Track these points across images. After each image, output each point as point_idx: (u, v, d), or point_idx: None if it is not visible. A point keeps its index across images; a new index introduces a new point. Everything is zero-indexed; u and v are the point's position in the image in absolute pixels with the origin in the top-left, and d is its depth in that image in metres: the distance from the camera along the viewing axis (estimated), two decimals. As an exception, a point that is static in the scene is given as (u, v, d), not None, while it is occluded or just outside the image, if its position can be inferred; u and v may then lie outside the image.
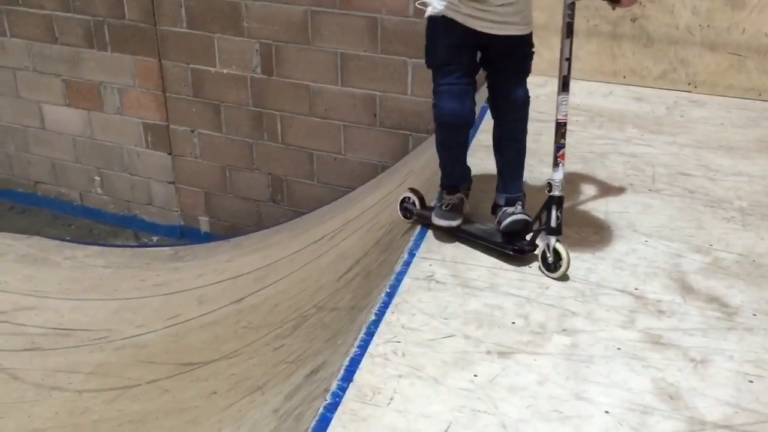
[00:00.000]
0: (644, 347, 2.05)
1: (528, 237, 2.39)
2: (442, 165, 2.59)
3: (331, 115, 4.77)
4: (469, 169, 2.66)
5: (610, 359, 2.00)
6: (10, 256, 4.70)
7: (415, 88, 4.46)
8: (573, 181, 2.99)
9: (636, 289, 2.31)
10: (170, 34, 4.96)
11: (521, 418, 1.79)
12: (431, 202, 2.68)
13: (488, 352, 2.02)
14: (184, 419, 2.76)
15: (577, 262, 2.43)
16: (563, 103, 2.32)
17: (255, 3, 4.65)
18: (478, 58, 2.39)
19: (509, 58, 2.39)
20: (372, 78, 4.55)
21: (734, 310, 2.21)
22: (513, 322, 2.13)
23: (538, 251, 2.36)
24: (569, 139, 3.34)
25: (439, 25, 2.33)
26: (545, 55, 3.95)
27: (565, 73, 2.31)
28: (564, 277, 2.30)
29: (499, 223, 2.43)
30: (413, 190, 2.70)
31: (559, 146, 2.32)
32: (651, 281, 2.35)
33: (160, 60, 5.07)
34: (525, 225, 2.39)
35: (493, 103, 2.48)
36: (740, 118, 3.66)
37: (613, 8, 2.38)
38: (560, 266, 2.28)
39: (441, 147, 2.54)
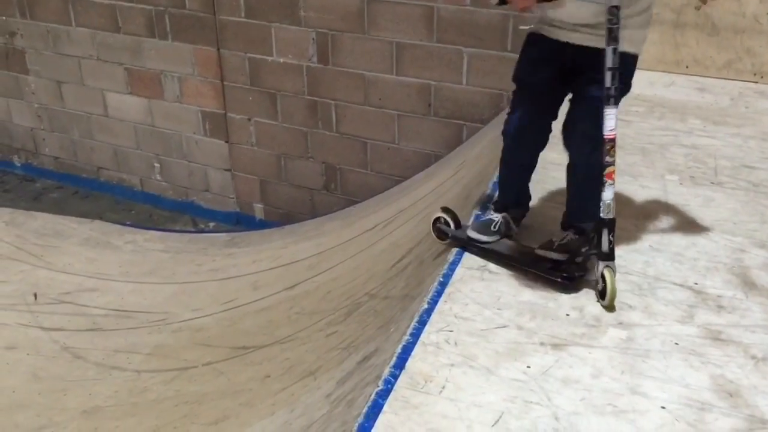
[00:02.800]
0: (703, 343, 2.00)
1: (578, 260, 2.22)
2: (500, 177, 2.51)
3: (386, 104, 4.78)
4: (526, 196, 2.52)
5: (667, 354, 1.96)
6: (73, 239, 4.86)
7: (470, 77, 4.43)
8: (631, 172, 2.94)
9: (696, 283, 2.26)
10: (229, 24, 5.03)
11: (574, 411, 1.78)
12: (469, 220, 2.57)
13: (542, 344, 2.01)
14: (238, 401, 2.82)
15: (635, 255, 2.39)
16: (609, 117, 2.08)
17: (312, -8, 4.68)
18: (565, 86, 2.22)
19: (580, 78, 2.14)
20: (427, 67, 4.54)
21: (799, 308, 2.15)
22: (567, 314, 2.11)
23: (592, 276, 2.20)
24: (628, 130, 3.30)
25: (528, 38, 2.25)
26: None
27: (608, 84, 2.06)
28: (611, 308, 2.13)
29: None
30: (446, 210, 2.55)
31: (606, 164, 2.11)
32: (711, 276, 2.29)
33: (218, 49, 5.16)
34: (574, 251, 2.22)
35: (566, 129, 2.26)
36: (809, 109, 3.53)
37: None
38: (606, 296, 2.12)
39: (502, 159, 2.45)
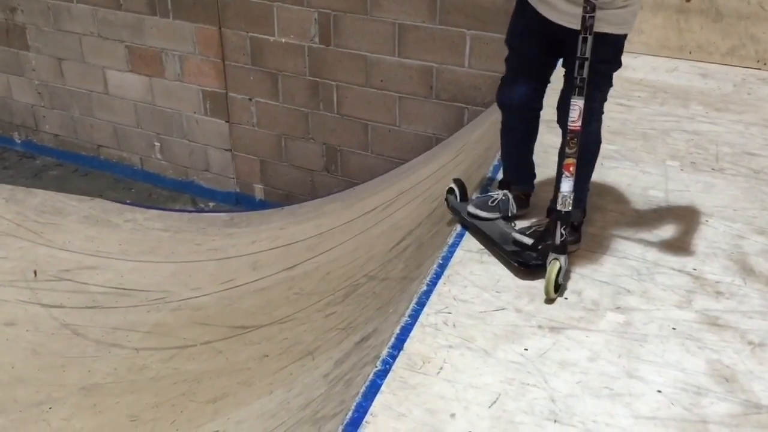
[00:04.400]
0: (700, 328, 2.01)
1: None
2: (501, 152, 2.51)
3: (387, 86, 4.76)
4: (529, 172, 2.49)
5: (664, 339, 1.97)
6: (73, 216, 4.86)
7: (472, 60, 4.41)
8: (632, 157, 2.94)
9: (694, 269, 2.26)
10: (231, 3, 5.00)
11: (571, 393, 1.79)
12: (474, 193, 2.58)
13: (539, 327, 2.02)
14: (236, 380, 2.83)
15: (634, 239, 2.40)
16: (574, 108, 2.05)
17: (314, -28, 4.65)
18: (555, 52, 2.21)
19: (571, 59, 2.06)
20: (429, 49, 4.51)
21: (797, 295, 2.15)
22: (566, 298, 2.12)
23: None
24: (630, 115, 3.30)
25: (518, 3, 2.23)
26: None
27: (575, 74, 2.02)
28: (549, 301, 2.09)
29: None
30: (456, 180, 2.55)
31: (566, 155, 2.07)
32: (710, 262, 2.30)
33: (220, 28, 5.13)
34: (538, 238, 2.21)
35: (560, 106, 2.20)
36: (812, 97, 3.52)
37: None
38: (558, 289, 2.10)
39: (501, 130, 2.44)
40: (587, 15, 1.98)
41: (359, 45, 4.72)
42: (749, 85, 3.66)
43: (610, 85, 2.21)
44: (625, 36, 2.15)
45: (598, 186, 2.72)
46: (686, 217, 2.53)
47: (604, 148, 2.75)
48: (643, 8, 3.81)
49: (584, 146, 2.12)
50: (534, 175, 2.52)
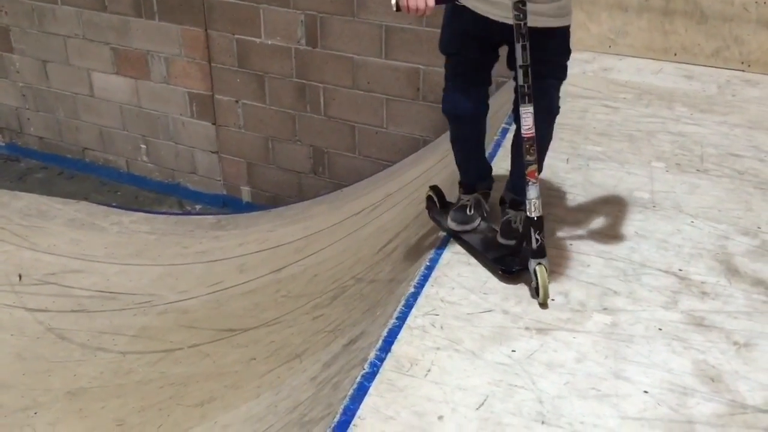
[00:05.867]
0: (686, 329, 2.02)
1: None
2: (456, 160, 2.46)
3: (374, 88, 4.76)
4: (487, 169, 2.51)
5: (650, 339, 1.98)
6: (58, 220, 4.83)
7: (459, 62, 4.42)
8: (618, 158, 2.95)
9: (680, 270, 2.27)
10: (217, 4, 4.98)
11: (558, 395, 1.79)
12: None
13: (527, 328, 2.02)
14: (224, 383, 2.82)
15: (620, 240, 2.41)
16: (526, 115, 2.06)
17: (301, -26, 4.65)
18: (496, 50, 2.20)
19: (535, 56, 2.05)
20: (416, 51, 4.52)
21: (781, 295, 2.17)
22: (553, 299, 2.12)
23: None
24: (615, 117, 3.31)
25: (452, 8, 2.14)
26: (593, 30, 3.88)
27: (521, 82, 2.04)
28: (544, 305, 2.09)
29: (501, 234, 2.32)
30: (432, 188, 2.55)
31: (527, 163, 2.08)
32: (696, 262, 2.31)
33: (206, 30, 5.11)
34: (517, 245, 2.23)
35: (515, 117, 2.18)
36: (795, 98, 3.55)
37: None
38: (539, 293, 2.09)
39: (451, 141, 2.41)
40: (522, 23, 1.99)
41: (346, 47, 4.72)
42: (733, 86, 3.69)
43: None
44: (568, 27, 2.16)
45: (584, 187, 2.74)
46: (672, 218, 2.55)
47: (591, 149, 2.77)
48: (628, 11, 3.85)
49: (545, 138, 2.20)
50: (491, 168, 2.53)
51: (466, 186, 2.45)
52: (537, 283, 2.10)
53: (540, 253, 2.11)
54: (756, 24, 3.73)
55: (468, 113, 2.27)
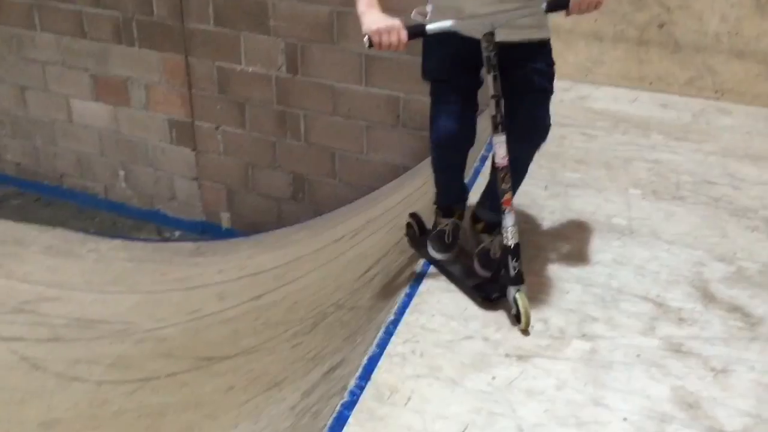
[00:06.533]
0: (664, 355, 2.04)
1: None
2: (437, 184, 2.43)
3: (355, 115, 4.78)
4: (465, 190, 2.51)
5: (629, 366, 1.99)
6: (34, 247, 4.77)
7: (439, 89, 4.46)
8: (596, 186, 2.98)
9: (657, 296, 2.29)
10: (197, 32, 5.00)
11: (538, 422, 1.79)
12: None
13: (507, 355, 2.02)
14: (202, 413, 2.78)
15: (598, 267, 2.43)
16: (498, 144, 2.08)
17: (282, 2, 4.67)
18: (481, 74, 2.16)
19: (519, 72, 2.09)
20: (396, 79, 4.56)
21: (757, 320, 2.19)
22: (532, 326, 2.13)
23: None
24: (593, 144, 3.35)
25: (436, 34, 2.06)
26: (570, 59, 3.94)
27: (493, 112, 2.06)
28: (526, 332, 2.11)
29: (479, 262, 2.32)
30: (412, 215, 2.57)
31: (502, 191, 2.10)
32: (673, 289, 2.33)
33: (186, 57, 5.11)
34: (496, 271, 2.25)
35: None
36: (767, 127, 3.62)
37: (567, 14, 2.07)
38: (521, 319, 2.10)
39: (436, 167, 2.39)
40: (491, 54, 2.02)
41: (327, 74, 4.74)
42: (708, 115, 3.76)
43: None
44: (548, 39, 2.19)
45: (563, 214, 2.76)
46: (649, 245, 2.58)
47: (569, 176, 2.81)
48: (603, 40, 3.92)
49: (528, 160, 2.24)
50: (467, 188, 2.54)
51: (444, 208, 2.44)
52: (517, 310, 2.10)
53: (518, 280, 2.11)
54: (728, 54, 3.81)
55: (458, 141, 2.24)
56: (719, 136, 3.51)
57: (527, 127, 2.17)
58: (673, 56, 3.91)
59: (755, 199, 2.92)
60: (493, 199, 2.23)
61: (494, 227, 2.31)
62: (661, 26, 3.85)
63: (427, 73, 2.26)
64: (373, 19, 1.98)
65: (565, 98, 3.72)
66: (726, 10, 3.73)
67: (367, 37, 1.98)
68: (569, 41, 3.91)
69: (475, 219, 2.46)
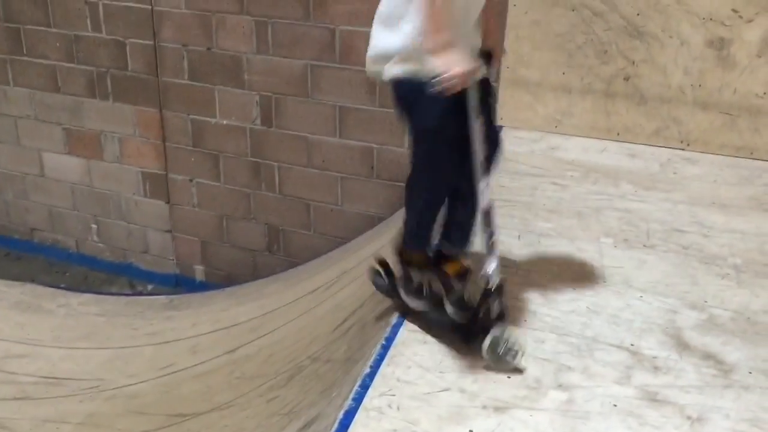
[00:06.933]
0: (640, 404, 2.04)
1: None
2: (417, 230, 2.35)
3: (329, 166, 4.82)
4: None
5: (606, 416, 1.99)
6: (2, 303, 4.67)
7: (412, 141, 4.51)
8: (568, 235, 3.02)
9: (632, 344, 2.31)
10: (172, 86, 5.03)
11: (517, 475, 1.77)
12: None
13: (484, 407, 2.01)
14: (174, 472, 2.71)
15: (573, 316, 2.44)
16: (486, 188, 2.13)
17: (256, 57, 4.74)
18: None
19: (485, 101, 2.15)
20: (369, 131, 4.61)
21: (730, 368, 2.21)
22: (508, 377, 2.12)
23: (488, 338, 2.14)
24: (564, 194, 3.40)
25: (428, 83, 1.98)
26: (540, 111, 4.03)
27: (482, 156, 2.10)
28: (518, 370, 2.13)
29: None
30: (380, 262, 2.53)
31: (489, 234, 2.14)
32: (647, 337, 2.35)
33: (161, 110, 5.14)
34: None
35: None
36: (733, 175, 3.71)
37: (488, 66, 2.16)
38: (515, 356, 2.13)
39: (421, 211, 2.32)
40: (475, 104, 2.09)
41: (301, 126, 4.79)
42: (675, 164, 3.84)
43: None
44: None
45: (536, 263, 2.78)
46: (621, 293, 2.60)
47: (541, 226, 2.84)
48: (572, 92, 4.02)
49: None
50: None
51: (419, 255, 2.36)
52: (504, 350, 2.12)
53: (504, 317, 2.14)
54: (692, 105, 3.92)
55: (458, 190, 2.24)
56: (687, 185, 3.59)
57: (497, 146, 2.25)
58: (639, 108, 4.02)
59: (724, 246, 2.97)
60: (457, 229, 2.30)
61: (451, 257, 2.31)
62: (626, 79, 3.96)
63: (432, 122, 2.10)
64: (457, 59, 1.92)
65: (536, 149, 3.78)
66: (689, 63, 3.86)
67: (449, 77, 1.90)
68: (538, 94, 4.00)
69: (440, 257, 2.39)
